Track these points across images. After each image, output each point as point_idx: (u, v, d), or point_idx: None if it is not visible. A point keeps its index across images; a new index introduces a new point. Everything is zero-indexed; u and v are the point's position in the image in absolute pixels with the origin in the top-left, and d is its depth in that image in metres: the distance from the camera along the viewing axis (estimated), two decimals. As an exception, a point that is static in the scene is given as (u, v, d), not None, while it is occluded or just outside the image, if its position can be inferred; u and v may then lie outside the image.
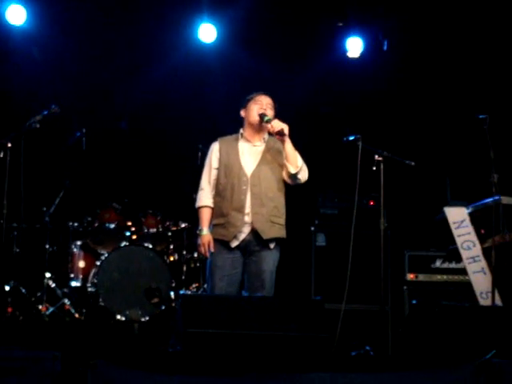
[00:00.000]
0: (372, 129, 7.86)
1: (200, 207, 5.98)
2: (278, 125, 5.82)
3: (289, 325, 5.09)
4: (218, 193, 5.93)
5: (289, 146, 5.85)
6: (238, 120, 6.05)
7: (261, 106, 5.95)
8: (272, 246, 5.88)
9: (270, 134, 6.01)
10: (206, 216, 5.94)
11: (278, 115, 6.03)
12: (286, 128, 5.81)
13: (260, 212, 5.82)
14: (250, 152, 5.96)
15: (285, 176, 5.93)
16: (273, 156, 5.93)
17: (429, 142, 8.81)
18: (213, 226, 5.92)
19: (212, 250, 5.85)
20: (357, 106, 9.04)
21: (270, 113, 5.94)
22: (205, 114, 8.98)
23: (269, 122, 5.86)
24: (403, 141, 8.46)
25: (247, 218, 5.82)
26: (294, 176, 5.88)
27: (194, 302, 5.16)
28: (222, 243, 5.87)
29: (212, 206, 5.95)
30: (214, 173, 5.97)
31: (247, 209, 5.82)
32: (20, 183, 6.20)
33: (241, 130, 6.04)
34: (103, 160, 8.68)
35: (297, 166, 5.85)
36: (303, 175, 5.92)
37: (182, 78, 8.93)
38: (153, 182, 8.82)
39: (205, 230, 5.90)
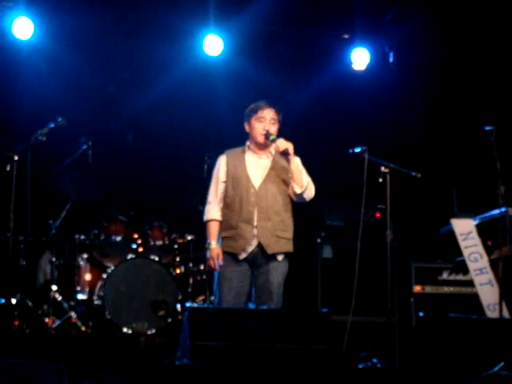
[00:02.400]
0: (378, 140, 7.85)
1: (208, 221, 5.97)
2: (282, 144, 5.80)
3: (295, 337, 5.09)
4: (226, 205, 5.93)
5: (294, 165, 5.85)
6: (244, 132, 6.05)
7: (264, 124, 5.91)
8: (280, 258, 5.88)
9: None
10: (214, 229, 5.93)
11: (284, 126, 6.03)
12: (290, 147, 5.80)
13: (266, 226, 5.82)
14: (257, 165, 5.96)
15: (290, 194, 5.92)
16: (279, 171, 5.93)
17: (435, 153, 8.80)
18: (222, 239, 5.92)
19: (221, 262, 5.84)
20: (363, 117, 9.04)
21: (273, 129, 5.91)
22: (211, 126, 9.01)
23: (274, 141, 5.85)
24: (410, 152, 8.45)
25: (255, 231, 5.82)
26: (299, 195, 5.88)
27: (201, 314, 5.17)
28: (230, 255, 5.86)
29: (220, 219, 5.94)
30: (222, 186, 5.96)
31: (255, 222, 5.82)
32: (26, 196, 6.21)
33: (247, 143, 6.03)
34: (109, 172, 8.69)
35: (302, 185, 5.85)
36: (308, 194, 5.91)
37: (188, 91, 8.94)
38: (159, 194, 8.82)
39: (213, 244, 5.89)
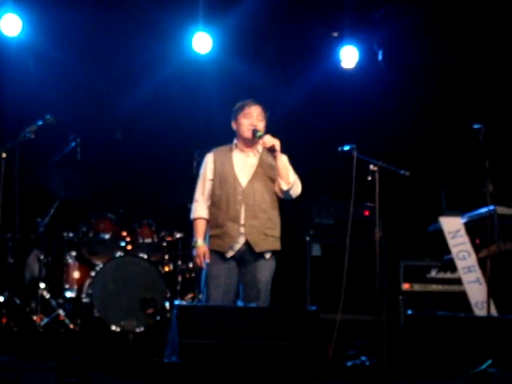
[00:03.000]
0: (367, 138, 7.86)
1: (195, 219, 5.98)
2: (269, 141, 5.81)
3: (284, 335, 5.09)
4: (214, 204, 5.93)
5: (281, 162, 5.85)
6: (232, 130, 6.05)
7: (251, 120, 5.92)
8: (268, 256, 5.88)
9: (263, 145, 6.00)
10: (200, 227, 5.94)
11: (273, 124, 6.03)
12: (277, 144, 5.80)
13: (253, 224, 5.82)
14: (244, 163, 5.96)
15: (277, 190, 5.92)
16: (266, 169, 5.93)
17: (424, 152, 8.82)
18: (209, 237, 5.91)
19: (208, 260, 5.84)
20: (352, 116, 9.04)
21: (260, 125, 5.92)
22: (200, 123, 8.99)
23: (261, 137, 5.85)
24: (398, 151, 8.46)
25: (242, 229, 5.82)
26: (285, 192, 5.88)
27: (190, 312, 5.16)
28: (217, 254, 5.86)
29: (207, 217, 5.95)
30: (209, 184, 5.96)
31: (242, 220, 5.82)
32: (15, 194, 6.19)
33: (234, 141, 6.03)
34: (98, 170, 8.67)
35: (289, 182, 5.85)
36: (295, 191, 5.91)
37: (177, 89, 8.93)
38: (148, 192, 8.80)
39: (200, 242, 5.89)
